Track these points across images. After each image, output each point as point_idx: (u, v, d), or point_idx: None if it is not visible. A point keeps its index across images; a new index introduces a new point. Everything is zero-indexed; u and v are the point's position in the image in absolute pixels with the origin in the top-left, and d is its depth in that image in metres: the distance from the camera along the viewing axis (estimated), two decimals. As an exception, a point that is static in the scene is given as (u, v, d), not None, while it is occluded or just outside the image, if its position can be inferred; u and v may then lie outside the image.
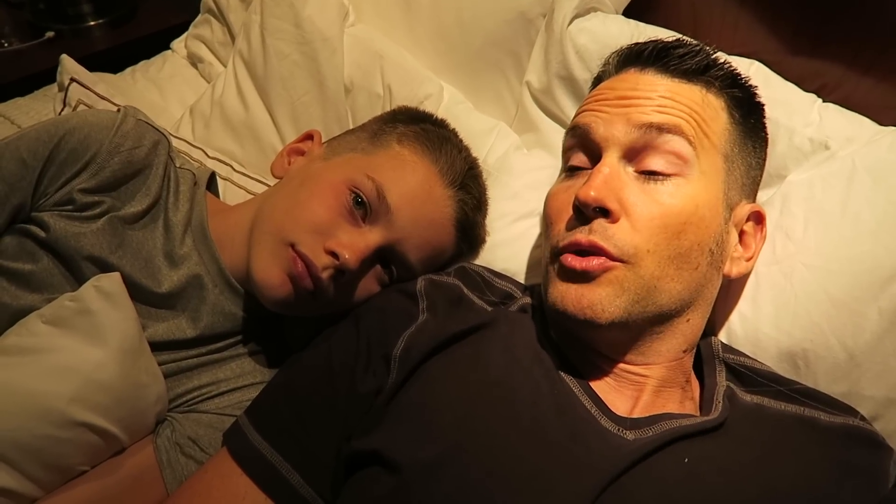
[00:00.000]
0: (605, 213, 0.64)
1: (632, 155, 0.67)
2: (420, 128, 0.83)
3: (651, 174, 0.66)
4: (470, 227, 0.84)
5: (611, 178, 0.65)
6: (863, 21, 0.86)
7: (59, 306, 0.67)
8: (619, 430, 0.62)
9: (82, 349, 0.66)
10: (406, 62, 1.05)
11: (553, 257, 0.68)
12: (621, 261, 0.64)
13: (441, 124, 0.89)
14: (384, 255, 0.78)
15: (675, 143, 0.66)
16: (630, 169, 0.67)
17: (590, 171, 0.68)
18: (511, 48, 1.01)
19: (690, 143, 0.66)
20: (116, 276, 0.70)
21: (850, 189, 0.75)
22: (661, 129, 0.66)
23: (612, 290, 0.63)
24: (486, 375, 0.65)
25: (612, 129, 0.68)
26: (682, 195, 0.65)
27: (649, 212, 0.65)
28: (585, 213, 0.65)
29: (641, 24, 0.92)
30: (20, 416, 0.63)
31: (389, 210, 0.76)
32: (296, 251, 0.73)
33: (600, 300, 0.63)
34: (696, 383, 0.72)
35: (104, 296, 0.67)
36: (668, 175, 0.66)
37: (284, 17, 1.07)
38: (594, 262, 0.64)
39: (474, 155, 0.88)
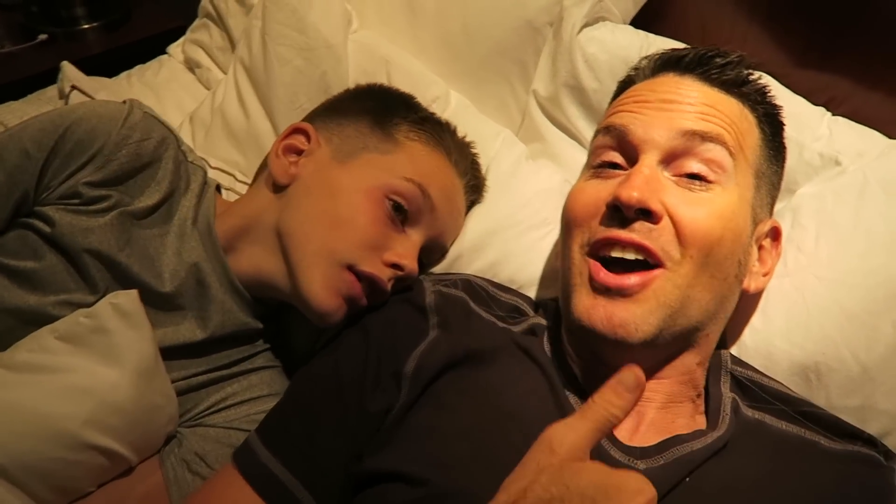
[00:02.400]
0: (646, 214, 0.63)
1: (670, 159, 0.66)
2: (418, 117, 0.84)
3: (692, 178, 0.65)
4: (471, 208, 0.88)
5: (651, 180, 0.64)
6: (872, 34, 0.86)
7: (74, 322, 0.65)
8: (629, 460, 0.60)
9: (97, 370, 0.64)
10: (412, 66, 1.04)
11: (583, 256, 0.66)
12: (662, 265, 0.62)
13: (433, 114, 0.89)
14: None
15: (715, 151, 0.65)
16: (667, 173, 0.66)
17: (624, 171, 0.67)
18: (517, 57, 0.99)
19: (731, 153, 0.66)
20: (134, 293, 0.68)
21: (862, 202, 0.75)
22: (703, 137, 0.65)
23: (648, 306, 0.62)
24: (500, 407, 0.63)
25: (652, 133, 0.66)
26: (721, 202, 0.65)
27: (692, 214, 0.63)
28: (626, 214, 0.63)
29: (651, 35, 0.92)
30: (32, 438, 0.61)
31: (434, 208, 0.77)
32: (356, 272, 0.74)
33: (634, 319, 0.61)
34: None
35: (121, 314, 0.66)
36: (709, 182, 0.65)
37: (287, 22, 1.05)
38: (632, 280, 0.62)
39: (482, 160, 0.89)
